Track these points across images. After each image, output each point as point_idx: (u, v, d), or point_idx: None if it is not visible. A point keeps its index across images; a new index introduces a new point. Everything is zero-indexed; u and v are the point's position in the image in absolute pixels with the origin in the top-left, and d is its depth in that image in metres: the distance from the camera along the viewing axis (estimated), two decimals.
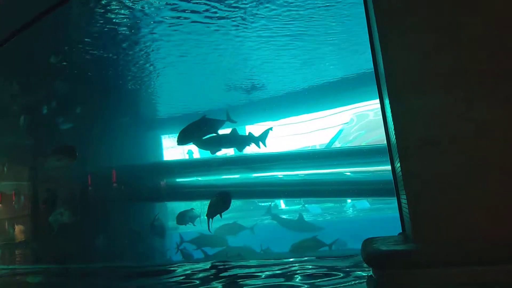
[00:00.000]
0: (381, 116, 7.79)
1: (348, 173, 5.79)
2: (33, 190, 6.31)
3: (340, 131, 7.35)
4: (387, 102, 2.81)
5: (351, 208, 6.72)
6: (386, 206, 6.05)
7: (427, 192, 2.10)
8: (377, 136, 6.96)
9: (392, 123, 2.27)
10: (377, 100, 7.45)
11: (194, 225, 5.95)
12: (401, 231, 2.75)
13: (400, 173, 2.62)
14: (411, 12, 2.21)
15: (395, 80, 2.25)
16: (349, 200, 6.92)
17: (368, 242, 2.43)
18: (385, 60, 2.29)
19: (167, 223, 6.28)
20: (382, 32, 2.32)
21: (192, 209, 5.99)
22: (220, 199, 4.67)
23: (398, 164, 2.64)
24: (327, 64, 6.53)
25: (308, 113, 7.08)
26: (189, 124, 5.52)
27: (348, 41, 6.00)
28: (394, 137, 2.28)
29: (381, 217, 5.79)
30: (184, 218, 5.95)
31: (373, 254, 2.13)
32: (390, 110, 2.31)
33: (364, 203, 6.52)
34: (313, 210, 6.94)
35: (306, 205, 7.00)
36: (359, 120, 7.02)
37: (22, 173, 6.38)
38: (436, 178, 2.09)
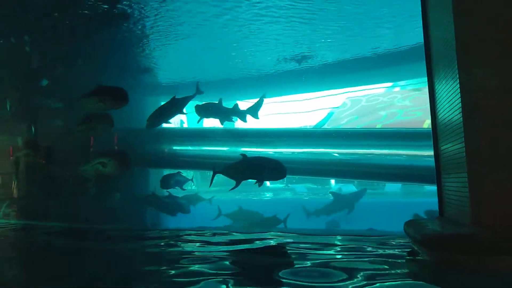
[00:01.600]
0: (373, 103, 7.79)
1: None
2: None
3: (330, 114, 7.30)
4: (437, 80, 2.70)
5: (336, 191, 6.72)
6: (373, 192, 6.14)
7: (494, 175, 2.01)
8: (370, 122, 7.01)
9: (460, 100, 2.13)
10: (372, 86, 7.49)
11: (182, 189, 5.74)
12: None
13: (446, 156, 2.53)
14: None
15: (468, 55, 2.11)
16: (333, 182, 6.93)
17: (416, 224, 2.32)
18: (458, 31, 2.13)
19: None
20: (457, 3, 2.16)
21: (179, 172, 5.76)
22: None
23: (446, 146, 2.54)
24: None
25: (300, 93, 6.94)
26: (158, 107, 5.36)
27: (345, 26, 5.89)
28: (460, 115, 2.14)
29: (367, 201, 5.80)
30: (168, 182, 5.68)
31: (432, 236, 2.01)
32: (457, 87, 2.17)
33: (350, 186, 6.55)
34: (299, 189, 6.89)
35: (289, 185, 6.93)
36: (353, 105, 6.99)
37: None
38: (506, 160, 2.00)
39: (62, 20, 5.13)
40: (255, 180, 4.33)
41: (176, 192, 5.85)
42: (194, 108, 5.35)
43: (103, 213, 5.04)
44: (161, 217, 5.82)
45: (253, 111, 5.66)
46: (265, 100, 5.94)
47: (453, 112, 2.28)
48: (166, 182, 5.66)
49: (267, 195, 6.66)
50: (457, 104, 2.19)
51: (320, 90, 6.64)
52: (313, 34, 5.31)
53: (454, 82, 2.22)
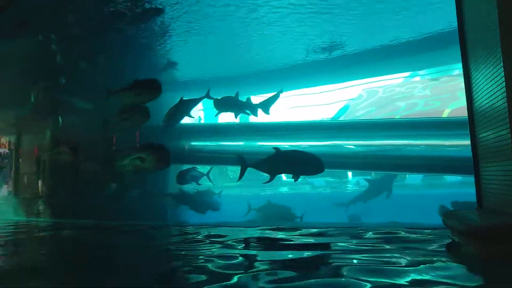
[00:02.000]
0: (390, 94, 7.65)
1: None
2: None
3: (346, 107, 7.19)
4: (474, 66, 2.61)
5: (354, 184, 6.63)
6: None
7: None
8: (387, 114, 6.88)
9: (504, 85, 2.04)
10: (388, 76, 7.35)
11: (198, 184, 5.65)
12: None
13: (485, 144, 2.44)
14: None
15: None
16: (350, 175, 6.84)
17: (457, 216, 2.25)
18: (502, 16, 2.04)
19: None
20: None
21: (194, 167, 5.70)
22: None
23: (486, 134, 2.46)
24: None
25: (314, 86, 6.85)
26: (170, 109, 5.40)
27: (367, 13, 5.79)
28: (503, 101, 2.06)
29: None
30: (185, 177, 5.62)
31: (481, 227, 1.94)
32: (500, 72, 2.09)
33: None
34: (318, 183, 6.80)
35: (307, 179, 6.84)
36: (369, 96, 6.87)
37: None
38: None
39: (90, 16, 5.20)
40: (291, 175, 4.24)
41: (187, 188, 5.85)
42: (212, 103, 5.32)
43: (130, 210, 5.02)
44: (181, 213, 5.82)
45: (265, 106, 5.64)
46: (282, 94, 5.91)
47: (495, 98, 2.20)
48: (182, 177, 5.64)
49: (284, 189, 6.58)
50: (500, 89, 2.11)
51: (342, 82, 6.55)
52: (335, 24, 5.26)
53: (496, 67, 2.14)
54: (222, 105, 5.36)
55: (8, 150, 6.39)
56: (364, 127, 6.16)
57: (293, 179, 4.30)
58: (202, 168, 5.63)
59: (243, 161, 4.38)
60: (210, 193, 6.13)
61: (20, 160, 6.19)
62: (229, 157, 5.57)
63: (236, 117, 5.76)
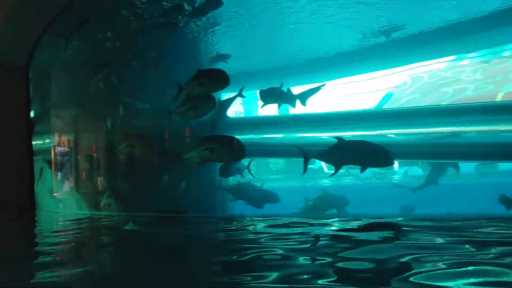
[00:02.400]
0: (437, 79, 7.39)
1: None
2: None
3: (389, 95, 6.96)
4: None
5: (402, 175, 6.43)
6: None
7: None
8: (433, 100, 6.60)
9: None
10: (433, 61, 7.06)
11: (242, 177, 5.71)
12: None
13: None
14: None
15: None
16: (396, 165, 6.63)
17: None
18: None
19: None
20: None
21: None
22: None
23: None
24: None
25: (355, 75, 6.71)
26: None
27: None
28: None
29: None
30: (228, 170, 5.66)
31: None
32: None
33: (416, 169, 6.22)
34: (362, 174, 6.67)
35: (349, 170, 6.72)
36: (413, 83, 6.61)
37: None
38: None
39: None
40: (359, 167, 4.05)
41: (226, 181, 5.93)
42: (258, 94, 5.34)
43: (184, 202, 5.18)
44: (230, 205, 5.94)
45: (303, 97, 5.61)
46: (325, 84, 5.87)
47: None
48: (226, 170, 5.66)
49: (326, 181, 6.51)
50: None
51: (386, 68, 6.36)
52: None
53: None
54: (268, 96, 5.32)
55: (68, 148, 6.88)
56: (418, 114, 5.95)
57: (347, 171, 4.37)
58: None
59: (305, 152, 4.23)
60: (251, 186, 6.20)
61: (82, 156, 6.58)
62: (285, 149, 5.54)
63: (278, 108, 5.80)
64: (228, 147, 4.30)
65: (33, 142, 7.72)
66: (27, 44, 7.18)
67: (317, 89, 5.81)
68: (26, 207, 7.19)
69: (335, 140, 4.04)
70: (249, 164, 5.54)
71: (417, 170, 6.10)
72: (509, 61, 6.20)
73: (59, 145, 6.78)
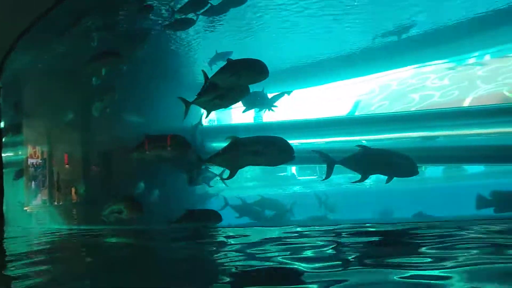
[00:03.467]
0: (405, 86, 7.64)
1: None
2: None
3: (357, 103, 7.20)
4: None
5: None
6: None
7: None
8: (402, 107, 6.87)
9: None
10: (402, 69, 7.32)
11: (210, 186, 5.77)
12: None
13: None
14: None
15: None
16: None
17: None
18: None
19: None
20: None
21: (206, 168, 5.64)
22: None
23: None
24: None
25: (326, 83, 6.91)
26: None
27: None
28: None
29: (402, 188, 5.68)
30: (195, 179, 5.63)
31: None
32: None
33: None
34: (337, 180, 6.84)
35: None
36: (382, 90, 6.86)
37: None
38: None
39: None
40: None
41: None
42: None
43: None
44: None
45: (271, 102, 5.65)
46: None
47: None
48: (193, 179, 5.58)
49: (296, 188, 6.65)
50: None
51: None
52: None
53: None
54: (252, 101, 5.23)
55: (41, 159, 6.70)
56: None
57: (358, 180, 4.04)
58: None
59: (329, 158, 4.03)
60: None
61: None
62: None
63: (260, 113, 5.76)
64: (276, 148, 3.80)
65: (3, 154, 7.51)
66: None
67: (281, 95, 5.85)
68: None
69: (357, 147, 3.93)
70: (222, 172, 5.50)
71: None
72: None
73: (33, 157, 6.67)
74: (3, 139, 7.47)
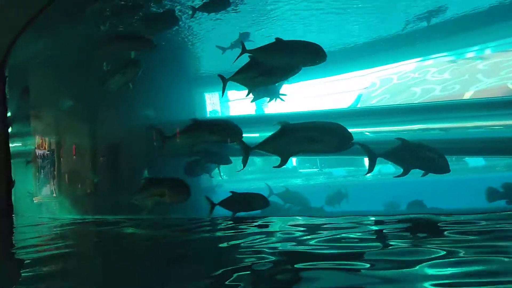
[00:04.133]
0: (405, 80, 7.74)
1: None
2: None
3: (359, 96, 7.29)
4: None
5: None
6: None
7: None
8: (402, 101, 6.97)
9: None
10: (401, 63, 7.39)
11: (211, 177, 5.67)
12: None
13: None
14: None
15: None
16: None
17: None
18: None
19: None
20: None
21: (203, 158, 5.51)
22: None
23: None
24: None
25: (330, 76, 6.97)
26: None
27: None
28: None
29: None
30: (194, 169, 5.45)
31: None
32: None
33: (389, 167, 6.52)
34: (337, 173, 6.98)
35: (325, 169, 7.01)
36: (382, 84, 6.95)
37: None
38: None
39: None
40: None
41: None
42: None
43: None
44: None
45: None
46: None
47: None
48: (191, 169, 5.45)
49: (297, 181, 6.77)
50: None
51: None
52: None
53: None
54: (261, 90, 5.05)
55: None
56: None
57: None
58: None
59: (371, 151, 3.87)
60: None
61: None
62: None
63: (269, 102, 5.57)
64: (335, 135, 3.60)
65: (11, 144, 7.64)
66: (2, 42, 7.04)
67: (281, 84, 5.83)
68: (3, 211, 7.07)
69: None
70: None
71: (390, 168, 6.41)
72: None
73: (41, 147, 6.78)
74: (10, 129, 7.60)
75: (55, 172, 6.59)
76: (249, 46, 4.02)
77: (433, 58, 7.19)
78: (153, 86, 5.90)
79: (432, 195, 4.81)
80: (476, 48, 6.76)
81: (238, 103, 7.24)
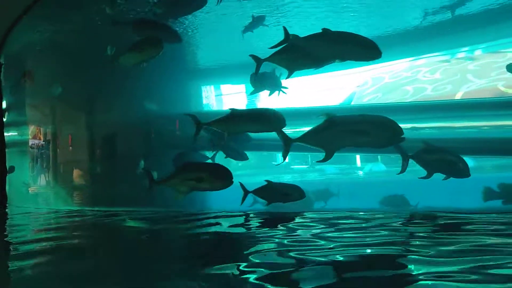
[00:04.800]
0: (397, 79, 7.86)
1: None
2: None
3: (352, 94, 7.40)
4: None
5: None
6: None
7: None
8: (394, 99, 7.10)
9: None
10: (394, 62, 7.50)
11: None
12: None
13: None
14: None
15: None
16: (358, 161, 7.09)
17: None
18: None
19: None
20: None
21: (192, 151, 5.48)
22: None
23: None
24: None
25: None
26: None
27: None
28: None
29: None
30: (182, 160, 5.25)
31: None
32: None
33: (380, 165, 6.64)
34: (329, 170, 7.09)
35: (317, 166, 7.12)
36: (375, 82, 7.07)
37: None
38: None
39: None
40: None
41: None
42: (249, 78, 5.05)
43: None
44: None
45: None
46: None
47: None
48: (181, 161, 5.25)
49: (289, 177, 6.86)
50: None
51: None
52: None
53: None
54: (261, 81, 5.00)
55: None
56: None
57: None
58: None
59: (403, 151, 3.82)
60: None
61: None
62: None
63: (269, 95, 5.27)
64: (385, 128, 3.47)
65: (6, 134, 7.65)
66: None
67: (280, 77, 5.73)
68: None
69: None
70: (214, 156, 5.46)
71: (381, 166, 6.56)
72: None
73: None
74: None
75: (51, 162, 6.63)
76: (263, 30, 3.98)
77: (425, 57, 7.31)
78: (152, 77, 5.93)
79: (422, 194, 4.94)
80: (466, 49, 6.90)
81: (232, 97, 7.31)
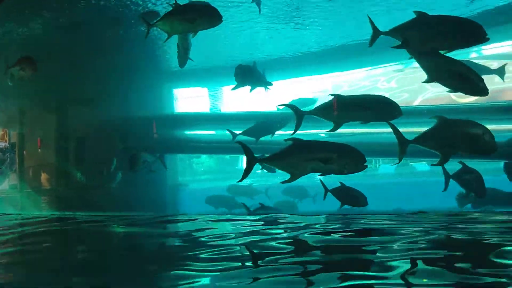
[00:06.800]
0: (356, 87, 8.15)
1: None
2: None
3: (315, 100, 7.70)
4: None
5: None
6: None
7: None
8: None
9: None
10: (354, 71, 7.87)
11: (152, 171, 5.47)
12: None
13: None
14: None
15: None
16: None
17: None
18: None
19: None
20: None
21: (145, 151, 5.46)
22: None
23: None
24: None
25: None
26: None
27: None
28: None
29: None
30: (134, 162, 5.29)
31: None
32: None
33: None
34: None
35: None
36: (334, 90, 7.40)
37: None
38: None
39: None
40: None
41: None
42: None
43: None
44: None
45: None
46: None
47: None
48: (133, 162, 5.31)
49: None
50: None
51: None
52: None
53: None
54: (244, 76, 4.89)
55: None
56: None
57: None
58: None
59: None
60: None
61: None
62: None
63: (251, 91, 5.24)
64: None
65: None
66: None
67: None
68: None
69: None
70: (161, 157, 5.47)
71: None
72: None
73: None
74: None
75: (17, 166, 6.49)
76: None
77: (382, 67, 7.74)
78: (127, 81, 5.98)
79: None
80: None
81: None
